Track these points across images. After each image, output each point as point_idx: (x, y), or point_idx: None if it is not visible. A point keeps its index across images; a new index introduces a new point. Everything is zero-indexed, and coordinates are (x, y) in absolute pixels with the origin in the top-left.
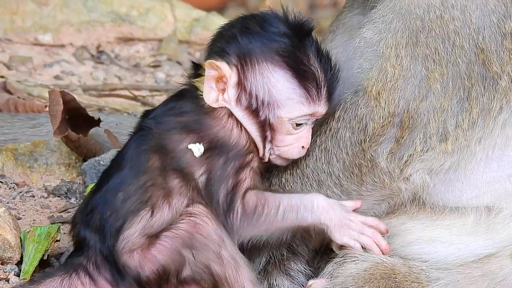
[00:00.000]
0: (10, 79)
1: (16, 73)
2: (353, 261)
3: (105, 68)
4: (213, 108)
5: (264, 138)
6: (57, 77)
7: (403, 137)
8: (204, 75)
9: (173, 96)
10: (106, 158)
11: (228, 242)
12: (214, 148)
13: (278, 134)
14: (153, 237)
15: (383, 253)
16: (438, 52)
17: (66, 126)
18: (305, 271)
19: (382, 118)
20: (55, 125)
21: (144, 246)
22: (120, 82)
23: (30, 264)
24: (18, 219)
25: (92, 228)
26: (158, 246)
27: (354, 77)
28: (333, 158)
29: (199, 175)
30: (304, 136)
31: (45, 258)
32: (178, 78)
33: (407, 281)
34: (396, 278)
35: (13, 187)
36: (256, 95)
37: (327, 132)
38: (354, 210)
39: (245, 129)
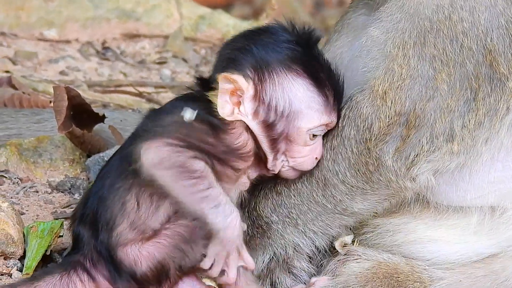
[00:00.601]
0: (15, 74)
1: (21, 68)
2: (356, 259)
3: (110, 64)
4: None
5: (277, 151)
6: (62, 73)
7: (409, 136)
8: (217, 88)
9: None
10: (110, 154)
11: None
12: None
13: (294, 145)
14: (152, 234)
15: (226, 282)
16: (446, 53)
17: (71, 122)
18: (307, 269)
19: (388, 117)
20: (59, 121)
21: (139, 241)
22: (125, 78)
23: (33, 259)
24: (22, 214)
25: (86, 224)
26: (157, 244)
27: (360, 76)
28: (338, 156)
29: None
30: (318, 147)
31: (48, 253)
32: (183, 75)
33: (409, 280)
34: (398, 277)
35: (17, 182)
36: (275, 106)
37: (333, 130)
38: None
39: (253, 139)
